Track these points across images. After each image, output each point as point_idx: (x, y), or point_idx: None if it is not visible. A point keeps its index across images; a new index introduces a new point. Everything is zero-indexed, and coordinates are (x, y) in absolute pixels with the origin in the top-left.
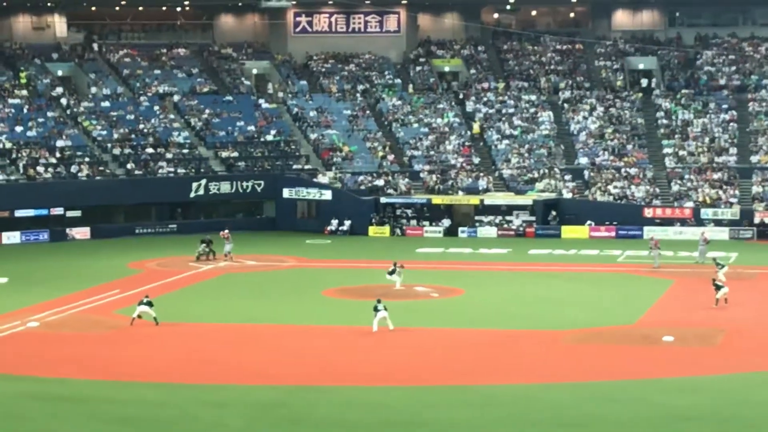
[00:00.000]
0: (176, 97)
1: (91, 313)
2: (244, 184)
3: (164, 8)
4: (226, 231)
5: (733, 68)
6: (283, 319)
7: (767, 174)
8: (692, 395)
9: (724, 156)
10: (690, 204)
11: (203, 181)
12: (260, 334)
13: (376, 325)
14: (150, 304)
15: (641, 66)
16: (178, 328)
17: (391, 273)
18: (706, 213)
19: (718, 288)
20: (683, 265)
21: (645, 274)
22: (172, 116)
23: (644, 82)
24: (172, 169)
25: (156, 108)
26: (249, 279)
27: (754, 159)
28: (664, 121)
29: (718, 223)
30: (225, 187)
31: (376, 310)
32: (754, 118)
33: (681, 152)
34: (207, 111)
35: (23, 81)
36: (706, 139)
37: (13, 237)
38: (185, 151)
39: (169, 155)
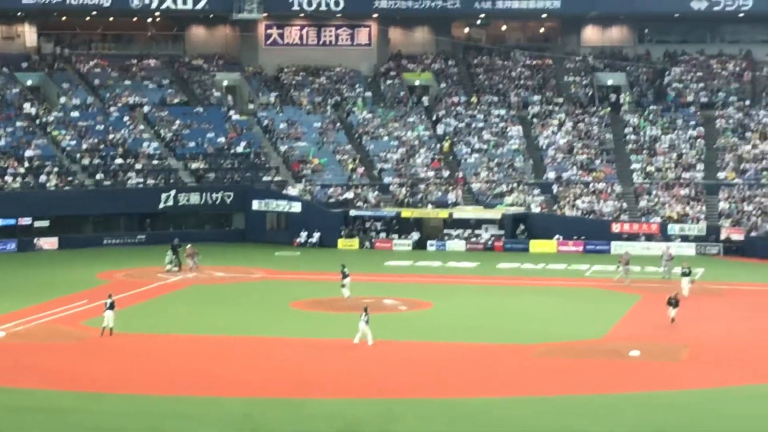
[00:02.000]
0: (146, 108)
1: (58, 324)
2: (214, 195)
3: (135, 19)
4: (191, 247)
5: (701, 85)
6: (252, 331)
7: (734, 190)
8: (660, 410)
9: (691, 172)
10: (657, 219)
11: (172, 192)
12: (230, 346)
13: (358, 338)
14: (112, 306)
15: (610, 82)
16: (146, 339)
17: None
18: (673, 229)
19: (673, 305)
20: (650, 280)
21: (613, 288)
22: (141, 127)
23: (613, 97)
24: (141, 180)
25: (126, 119)
26: (218, 290)
27: (720, 175)
28: (632, 137)
29: (685, 238)
30: (194, 199)
31: (362, 319)
32: (720, 134)
33: (649, 168)
34: (177, 122)
35: None
36: (674, 155)
37: None
38: (155, 162)
39: (138, 166)
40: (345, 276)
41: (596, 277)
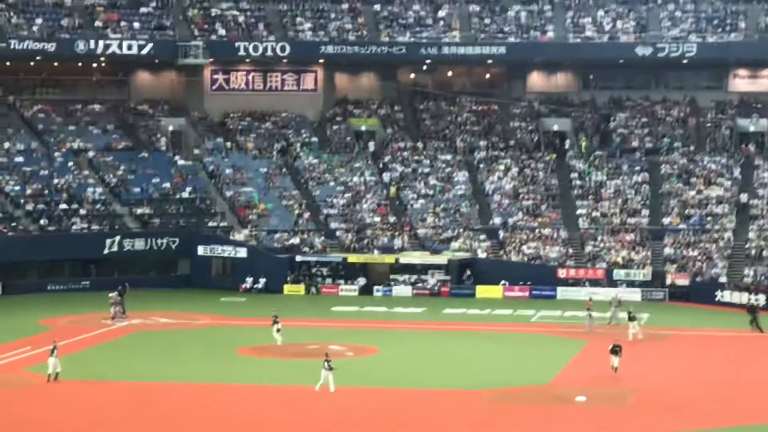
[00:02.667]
0: (91, 153)
1: (1, 371)
2: (159, 241)
3: (80, 64)
4: (115, 295)
5: (646, 131)
6: (198, 378)
7: (679, 236)
8: None
9: (636, 217)
10: (603, 265)
11: (117, 238)
12: (176, 393)
13: (319, 385)
14: (53, 351)
15: (555, 127)
16: (90, 386)
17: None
18: (619, 274)
19: (616, 353)
20: (596, 325)
21: (558, 334)
22: (86, 172)
23: (564, 142)
24: (85, 226)
25: (70, 164)
26: (163, 337)
27: (665, 221)
28: (578, 182)
29: (631, 284)
30: (139, 244)
31: (324, 366)
32: (665, 180)
33: (594, 213)
34: (122, 167)
35: None
36: (619, 201)
37: None
38: (99, 207)
39: (83, 211)
40: (276, 322)
41: (542, 323)
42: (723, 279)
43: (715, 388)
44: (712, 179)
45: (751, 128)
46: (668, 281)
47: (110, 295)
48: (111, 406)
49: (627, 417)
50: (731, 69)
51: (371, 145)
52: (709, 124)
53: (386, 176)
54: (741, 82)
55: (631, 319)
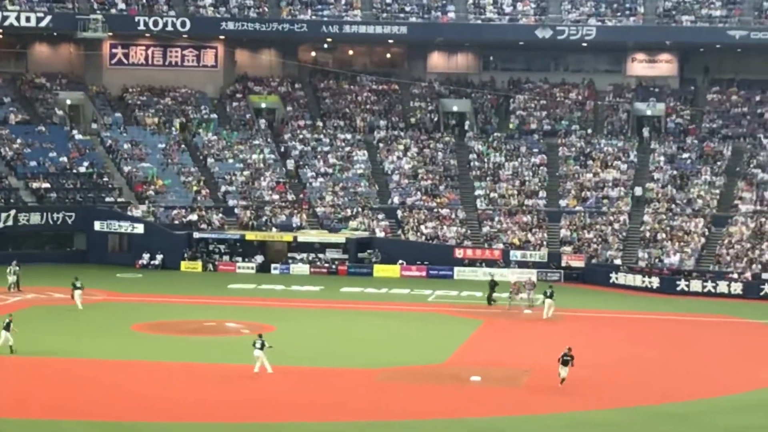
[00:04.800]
0: None
1: None
2: (55, 215)
3: None
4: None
5: (544, 113)
6: (91, 354)
7: (575, 218)
8: None
9: (533, 199)
10: (500, 245)
11: (12, 212)
12: (68, 369)
13: (258, 366)
14: (7, 325)
15: (455, 108)
16: None
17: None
18: (515, 255)
19: (568, 363)
20: (494, 306)
21: (455, 313)
22: None
23: (466, 123)
24: None
25: None
26: (58, 312)
27: (562, 203)
28: (477, 163)
29: (526, 264)
30: (35, 219)
31: (254, 346)
32: (563, 162)
33: (492, 194)
34: (18, 141)
35: None
36: (517, 182)
37: None
38: None
39: None
40: (76, 288)
41: (439, 302)
42: (618, 261)
43: (608, 369)
44: (608, 162)
45: (648, 112)
46: (564, 263)
47: (10, 268)
48: (4, 382)
49: (521, 397)
50: (629, 53)
51: (264, 123)
52: (606, 107)
53: (285, 154)
54: (639, 66)
55: (549, 296)
